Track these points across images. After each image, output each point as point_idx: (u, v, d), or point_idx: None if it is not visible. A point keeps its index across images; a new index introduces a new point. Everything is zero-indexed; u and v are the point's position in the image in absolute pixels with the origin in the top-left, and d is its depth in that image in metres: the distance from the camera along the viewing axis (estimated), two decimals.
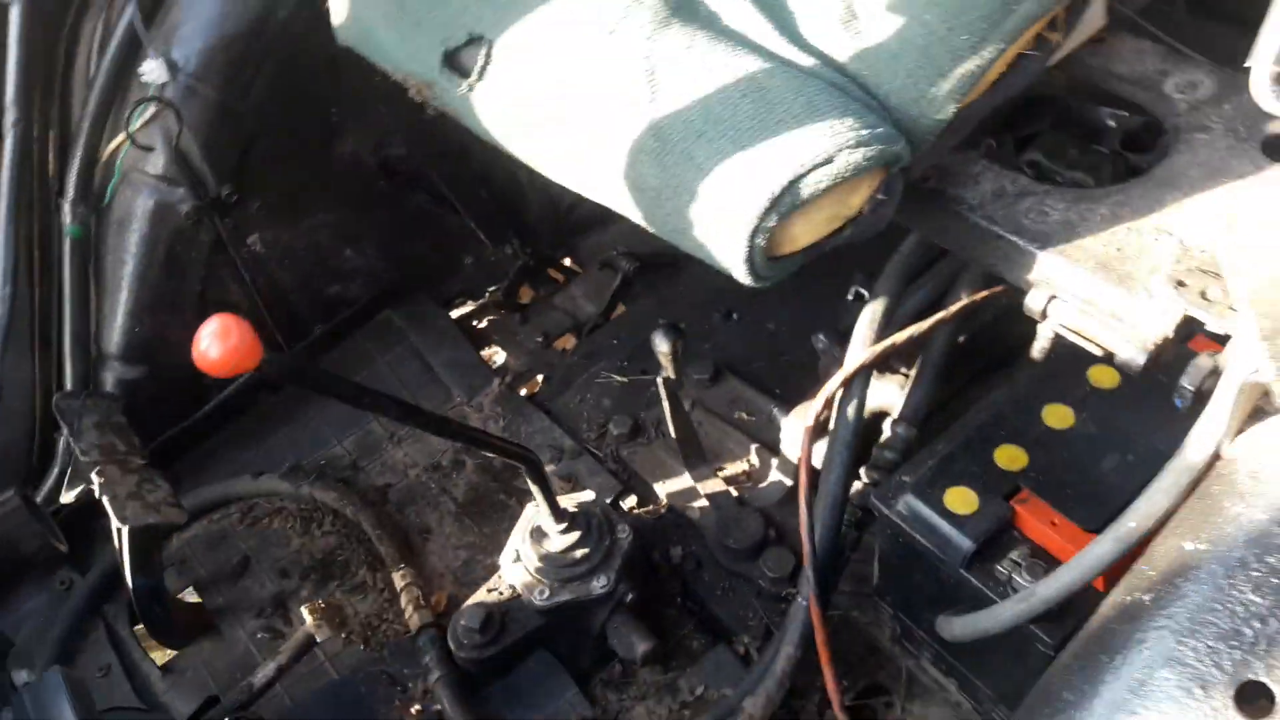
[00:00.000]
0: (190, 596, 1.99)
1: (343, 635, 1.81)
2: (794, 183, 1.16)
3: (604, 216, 2.47)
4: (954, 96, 1.26)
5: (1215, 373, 1.10)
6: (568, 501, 1.70)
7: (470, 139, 1.54)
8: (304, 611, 1.76)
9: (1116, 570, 1.10)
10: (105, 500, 1.60)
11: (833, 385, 1.56)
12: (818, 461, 1.59)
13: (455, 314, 2.56)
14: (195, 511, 2.03)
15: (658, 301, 2.44)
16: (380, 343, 2.41)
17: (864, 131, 1.18)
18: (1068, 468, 1.45)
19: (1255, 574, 0.87)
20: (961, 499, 1.46)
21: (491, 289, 2.61)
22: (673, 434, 1.84)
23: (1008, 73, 1.31)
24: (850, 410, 1.57)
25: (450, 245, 2.52)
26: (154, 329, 2.00)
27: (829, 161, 1.16)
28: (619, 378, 2.24)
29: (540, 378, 2.35)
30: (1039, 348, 1.33)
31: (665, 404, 1.78)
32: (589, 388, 2.27)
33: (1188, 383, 1.14)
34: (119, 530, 1.64)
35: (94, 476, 1.65)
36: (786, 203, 1.17)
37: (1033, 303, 1.29)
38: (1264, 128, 1.28)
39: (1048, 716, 0.94)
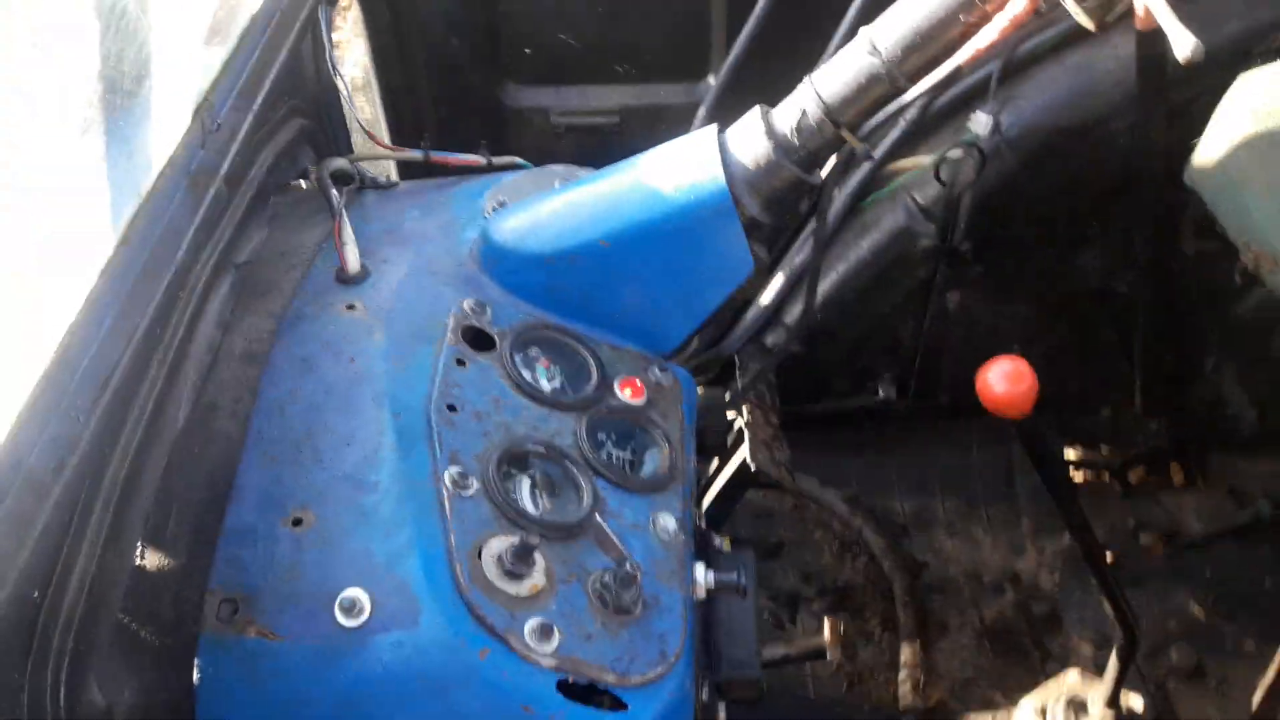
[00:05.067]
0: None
1: (840, 666, 1.88)
2: None
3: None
4: None
5: None
6: (1124, 696, 1.61)
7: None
8: (826, 624, 1.85)
9: None
10: (747, 435, 1.78)
11: None
12: None
13: None
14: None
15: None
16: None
17: None
18: None
19: None
20: None
21: (1106, 448, 2.52)
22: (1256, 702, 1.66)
23: None
24: None
25: (1099, 387, 2.45)
26: (832, 323, 2.17)
27: None
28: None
29: (1110, 556, 2.24)
30: None
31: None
32: (1158, 597, 2.13)
33: None
34: (735, 461, 1.81)
35: (744, 411, 1.83)
36: None
37: None
38: None
39: None
